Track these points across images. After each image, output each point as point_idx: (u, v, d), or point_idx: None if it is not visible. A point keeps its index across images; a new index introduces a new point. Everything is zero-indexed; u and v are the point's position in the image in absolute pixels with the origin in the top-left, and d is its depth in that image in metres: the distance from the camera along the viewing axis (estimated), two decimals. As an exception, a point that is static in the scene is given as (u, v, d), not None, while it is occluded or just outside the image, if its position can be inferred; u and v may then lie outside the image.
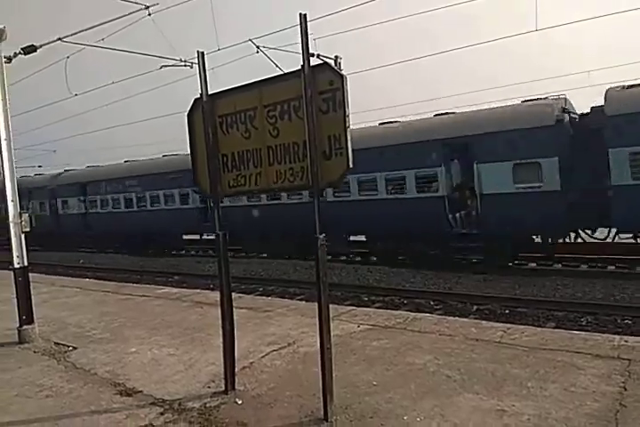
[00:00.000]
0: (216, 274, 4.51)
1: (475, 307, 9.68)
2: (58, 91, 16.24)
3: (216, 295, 5.18)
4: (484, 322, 6.18)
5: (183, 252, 22.30)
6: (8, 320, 6.89)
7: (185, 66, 14.15)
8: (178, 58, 14.24)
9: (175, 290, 9.85)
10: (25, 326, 6.39)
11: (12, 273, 6.53)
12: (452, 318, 6.67)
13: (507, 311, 9.26)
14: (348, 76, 3.42)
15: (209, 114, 4.18)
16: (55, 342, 6.23)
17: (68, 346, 6.05)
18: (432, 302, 10.26)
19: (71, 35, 10.16)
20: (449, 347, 4.97)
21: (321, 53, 15.38)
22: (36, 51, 7.87)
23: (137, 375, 4.84)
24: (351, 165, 3.44)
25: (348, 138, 3.41)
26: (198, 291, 9.63)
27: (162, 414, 3.93)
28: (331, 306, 3.88)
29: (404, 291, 11.31)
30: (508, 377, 4.13)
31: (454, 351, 4.83)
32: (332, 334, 3.74)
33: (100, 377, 4.88)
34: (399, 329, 5.76)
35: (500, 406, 3.62)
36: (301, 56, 3.52)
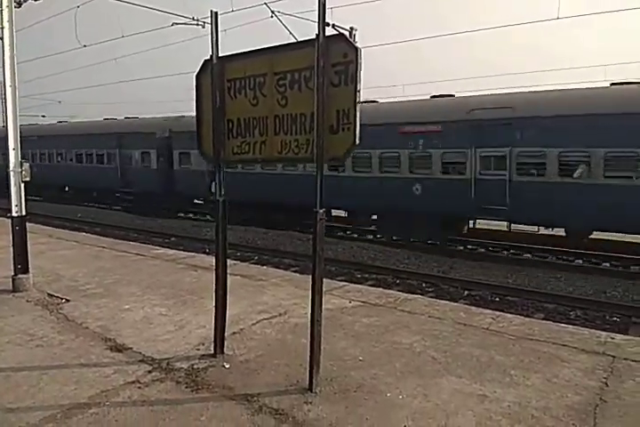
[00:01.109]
0: (212, 239, 4.51)
1: (466, 292, 9.76)
2: (66, 41, 15.90)
3: (211, 260, 5.19)
4: (473, 308, 6.23)
5: (182, 214, 22.31)
6: (3, 269, 6.94)
7: (197, 25, 13.78)
8: (190, 16, 13.87)
9: (171, 251, 9.90)
10: (20, 276, 6.44)
11: (9, 221, 6.54)
12: (442, 301, 6.71)
13: (497, 299, 9.33)
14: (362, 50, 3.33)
15: (218, 77, 4.09)
16: (49, 294, 6.29)
17: (62, 298, 6.11)
18: (424, 284, 10.33)
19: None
20: (437, 329, 5.02)
21: (336, 24, 14.96)
22: (47, -4, 7.64)
23: (128, 332, 4.90)
24: (357, 142, 3.39)
25: (357, 113, 3.35)
26: (194, 254, 9.67)
27: (150, 372, 3.99)
28: (324, 280, 3.89)
29: (398, 271, 11.37)
30: (493, 364, 4.19)
31: (442, 334, 4.88)
32: (323, 308, 3.76)
33: (92, 331, 4.94)
34: (390, 308, 5.81)
35: (481, 391, 3.68)
36: (317, 25, 3.41)
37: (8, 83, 6.43)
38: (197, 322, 5.18)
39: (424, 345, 4.59)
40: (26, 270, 6.53)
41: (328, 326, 4.51)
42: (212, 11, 4.04)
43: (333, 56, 3.41)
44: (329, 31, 3.49)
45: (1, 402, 3.51)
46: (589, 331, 5.28)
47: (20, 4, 6.99)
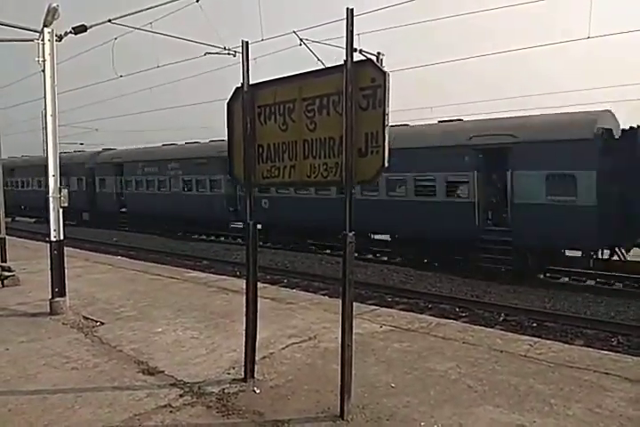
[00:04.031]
0: (243, 262, 4.54)
1: (502, 317, 9.49)
2: (103, 71, 16.59)
3: (241, 283, 5.22)
4: (510, 334, 6.04)
5: (213, 238, 22.60)
6: (41, 291, 7.14)
7: (228, 54, 14.21)
8: (222, 46, 14.32)
9: (203, 275, 10.01)
10: (57, 298, 6.60)
11: (48, 245, 6.75)
12: (477, 326, 6.53)
13: (534, 324, 9.05)
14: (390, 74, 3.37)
15: (249, 104, 4.20)
16: (84, 316, 6.42)
17: (97, 321, 6.22)
18: (458, 309, 10.11)
19: (120, 17, 10.29)
20: (472, 356, 4.88)
21: (364, 49, 15.15)
22: (86, 31, 7.94)
23: (160, 355, 4.94)
24: (386, 164, 3.39)
25: (386, 136, 3.35)
26: (225, 277, 9.76)
27: (181, 396, 3.99)
28: (354, 304, 3.85)
29: (430, 295, 11.18)
30: (531, 392, 4.02)
31: (477, 361, 4.73)
32: (353, 333, 3.71)
33: (125, 354, 5.00)
34: (422, 333, 5.69)
35: (520, 421, 3.53)
36: (345, 51, 3.48)
37: (49, 112, 6.72)
38: (228, 346, 5.18)
39: (459, 372, 4.46)
40: (63, 293, 6.69)
41: (359, 351, 4.43)
42: (243, 40, 4.19)
43: (361, 80, 3.46)
44: (356, 57, 3.55)
45: (37, 424, 3.56)
46: (633, 358, 5.03)
47: (60, 38, 7.32)
